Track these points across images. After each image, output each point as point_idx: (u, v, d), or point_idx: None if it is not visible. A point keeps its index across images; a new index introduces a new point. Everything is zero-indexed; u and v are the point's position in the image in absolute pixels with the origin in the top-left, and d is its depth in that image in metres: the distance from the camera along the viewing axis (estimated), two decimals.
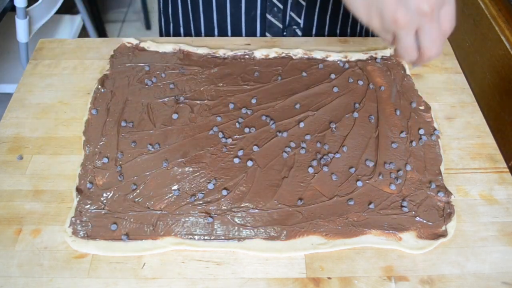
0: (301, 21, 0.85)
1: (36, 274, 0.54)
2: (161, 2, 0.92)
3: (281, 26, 0.86)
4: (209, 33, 0.88)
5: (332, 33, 0.88)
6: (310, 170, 0.64)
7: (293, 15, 0.84)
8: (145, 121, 0.69)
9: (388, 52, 0.81)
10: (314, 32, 0.87)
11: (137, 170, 0.63)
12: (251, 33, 0.86)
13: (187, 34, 0.91)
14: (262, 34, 0.86)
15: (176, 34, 0.93)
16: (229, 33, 0.87)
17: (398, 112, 0.71)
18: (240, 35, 0.86)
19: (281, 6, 0.82)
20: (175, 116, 0.70)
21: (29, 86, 0.75)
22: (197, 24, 0.88)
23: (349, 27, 0.89)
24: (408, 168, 0.64)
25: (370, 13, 0.52)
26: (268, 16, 0.84)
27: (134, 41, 0.81)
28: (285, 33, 0.86)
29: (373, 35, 0.92)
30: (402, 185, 0.62)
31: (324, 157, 0.65)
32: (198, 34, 0.89)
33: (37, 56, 0.80)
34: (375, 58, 0.79)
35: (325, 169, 0.64)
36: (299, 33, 0.86)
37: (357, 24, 0.90)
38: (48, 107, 0.72)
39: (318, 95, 0.74)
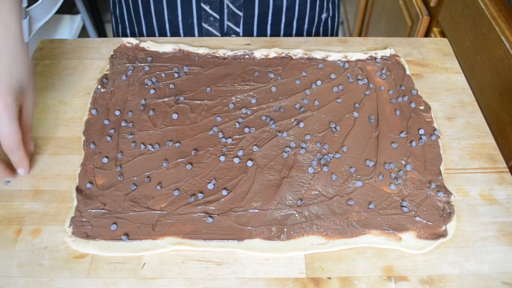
0: (239, 30, 0.87)
1: (36, 274, 0.54)
2: (110, 3, 0.95)
3: (219, 34, 0.88)
4: (152, 36, 0.90)
5: None
6: (310, 170, 0.64)
7: (230, 24, 0.85)
8: (145, 121, 0.69)
9: (388, 52, 0.81)
10: None
11: (137, 170, 0.63)
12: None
13: (133, 35, 0.94)
14: None
15: (124, 35, 0.96)
16: None
17: (398, 112, 0.71)
18: None
19: (218, 16, 0.84)
20: (175, 116, 0.70)
21: None
22: (139, 27, 0.90)
23: (294, 35, 0.90)
24: (408, 168, 0.64)
25: None
26: (205, 25, 0.86)
27: (134, 41, 0.81)
28: None
29: (332, 35, 0.95)
30: (402, 185, 0.62)
31: (324, 157, 0.65)
32: (141, 36, 0.92)
33: (37, 56, 0.80)
34: (375, 58, 0.79)
35: (325, 169, 0.64)
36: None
37: (302, 34, 0.90)
38: (48, 107, 0.72)
39: (318, 95, 0.74)
